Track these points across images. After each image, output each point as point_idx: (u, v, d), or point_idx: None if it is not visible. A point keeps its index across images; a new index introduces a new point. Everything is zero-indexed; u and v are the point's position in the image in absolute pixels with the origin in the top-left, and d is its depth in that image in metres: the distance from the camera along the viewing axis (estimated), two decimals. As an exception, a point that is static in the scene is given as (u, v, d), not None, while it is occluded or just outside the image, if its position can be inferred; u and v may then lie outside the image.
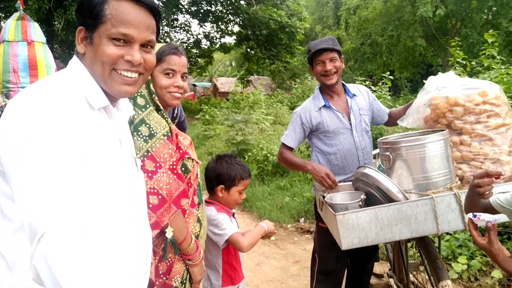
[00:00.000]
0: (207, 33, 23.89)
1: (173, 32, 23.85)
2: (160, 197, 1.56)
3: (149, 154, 1.58)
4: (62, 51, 16.36)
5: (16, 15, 9.39)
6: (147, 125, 1.62)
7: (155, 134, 1.62)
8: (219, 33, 23.72)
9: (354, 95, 2.83)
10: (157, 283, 1.66)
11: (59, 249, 0.86)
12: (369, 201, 2.14)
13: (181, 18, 23.52)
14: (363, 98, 2.87)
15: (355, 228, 1.96)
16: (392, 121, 2.97)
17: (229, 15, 22.31)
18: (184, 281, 1.75)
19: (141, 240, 1.25)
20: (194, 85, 36.10)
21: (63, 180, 0.92)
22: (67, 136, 0.97)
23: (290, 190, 6.57)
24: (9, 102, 1.05)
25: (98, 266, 0.89)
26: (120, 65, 1.14)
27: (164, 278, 1.68)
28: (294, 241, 5.09)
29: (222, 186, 2.20)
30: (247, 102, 11.24)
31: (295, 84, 17.54)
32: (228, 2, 21.18)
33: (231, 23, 22.89)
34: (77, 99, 1.07)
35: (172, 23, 22.87)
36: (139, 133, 1.60)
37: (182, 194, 1.65)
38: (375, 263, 3.59)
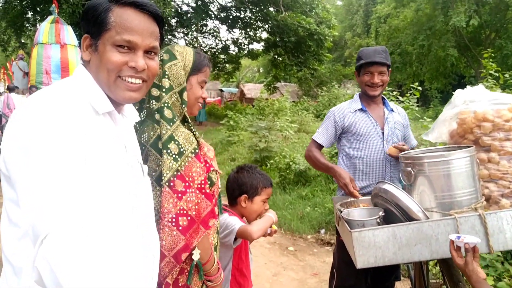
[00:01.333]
0: (235, 39, 24.06)
1: (202, 37, 24.13)
2: (189, 218, 1.51)
3: (179, 173, 1.52)
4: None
5: (50, 18, 9.71)
6: (176, 142, 1.56)
7: (184, 151, 1.56)
8: (247, 39, 23.85)
9: (392, 110, 2.82)
10: None
11: (61, 251, 0.88)
12: (388, 219, 2.04)
13: (210, 23, 23.82)
14: (399, 116, 2.85)
15: (371, 246, 1.87)
16: None
17: (258, 22, 22.42)
18: None
19: (145, 245, 1.24)
20: (221, 91, 36.37)
21: (66, 183, 0.94)
22: (70, 141, 0.98)
23: (311, 200, 6.47)
24: (15, 110, 1.07)
25: (100, 268, 0.91)
26: (125, 71, 1.15)
27: None
28: (313, 253, 4.99)
29: (245, 195, 2.19)
30: (271, 109, 11.19)
31: (321, 92, 17.40)
32: (257, 8, 21.28)
33: (260, 30, 22.99)
34: (81, 105, 1.08)
35: (201, 29, 23.14)
36: (169, 151, 1.53)
37: (210, 214, 1.61)
38: (396, 282, 3.47)
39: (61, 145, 0.96)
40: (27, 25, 18.61)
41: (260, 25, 22.48)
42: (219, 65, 25.04)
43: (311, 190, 6.80)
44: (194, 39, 23.27)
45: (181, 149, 1.56)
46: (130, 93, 1.18)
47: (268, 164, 8.07)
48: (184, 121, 1.66)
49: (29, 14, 18.19)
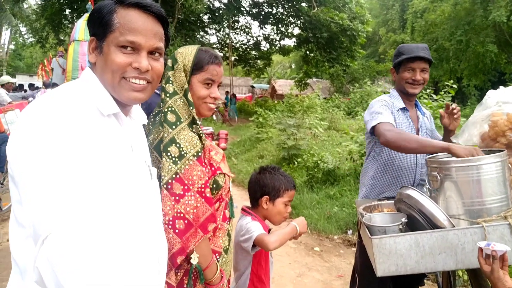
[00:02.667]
0: (267, 35, 23.98)
1: (234, 33, 24.19)
2: (186, 221, 1.50)
3: (178, 176, 1.51)
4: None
5: (86, 15, 9.96)
6: (177, 145, 1.56)
7: (185, 154, 1.55)
8: (279, 35, 23.72)
9: (425, 113, 2.72)
10: None
11: (62, 251, 0.89)
12: (411, 225, 1.96)
13: (242, 20, 23.78)
14: (428, 120, 2.74)
15: (393, 254, 1.80)
16: None
17: (290, 17, 22.25)
18: None
19: (150, 247, 1.23)
20: (253, 87, 36.38)
21: (67, 183, 0.94)
22: (73, 142, 0.98)
23: (339, 200, 6.34)
24: (22, 111, 1.08)
25: (101, 270, 0.91)
26: (129, 73, 1.16)
27: None
28: (340, 254, 4.90)
29: (267, 197, 2.14)
30: (301, 106, 11.07)
31: (353, 89, 17.09)
32: (289, 4, 21.12)
33: (292, 25, 22.81)
34: (86, 107, 1.09)
35: (233, 25, 23.20)
36: (168, 154, 1.53)
37: (210, 219, 1.58)
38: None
39: (64, 146, 0.96)
40: (64, 22, 19.23)
41: (292, 20, 22.31)
42: (250, 61, 25.05)
43: (339, 189, 6.67)
44: (226, 36, 23.36)
45: (182, 152, 1.55)
46: (134, 94, 1.18)
47: (296, 163, 7.99)
48: (192, 123, 1.64)
49: (67, 11, 18.78)
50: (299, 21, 21.58)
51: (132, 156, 1.22)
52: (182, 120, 1.61)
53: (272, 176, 2.17)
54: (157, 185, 1.43)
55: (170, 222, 1.49)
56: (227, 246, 1.76)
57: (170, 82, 1.65)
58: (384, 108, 2.51)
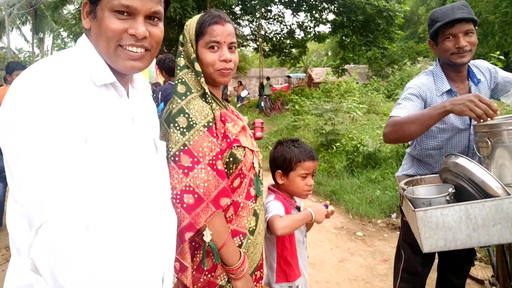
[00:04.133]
0: (300, 23, 23.58)
1: (267, 23, 23.96)
2: (196, 196, 1.41)
3: (186, 148, 1.42)
4: (163, 46, 17.30)
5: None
6: (186, 115, 1.46)
7: (194, 125, 1.45)
8: (313, 22, 23.26)
9: (480, 80, 2.27)
10: (201, 280, 1.52)
11: (57, 241, 0.84)
12: (460, 197, 1.78)
13: (275, 9, 23.46)
14: (486, 85, 2.32)
15: (440, 227, 1.63)
16: None
17: (323, 3, 21.74)
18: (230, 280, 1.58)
19: (155, 224, 1.17)
20: (289, 77, 36.05)
21: (61, 167, 0.88)
22: (65, 118, 0.92)
23: (381, 183, 6.12)
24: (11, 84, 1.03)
25: (101, 257, 0.87)
26: (125, 40, 1.08)
27: (209, 275, 1.53)
28: (383, 238, 4.71)
29: (279, 171, 2.02)
30: (338, 91, 10.77)
31: (392, 71, 16.50)
32: (322, -11, 20.65)
33: (326, 11, 22.29)
34: (79, 77, 1.02)
35: (265, 15, 22.97)
36: (176, 124, 1.45)
37: (222, 193, 1.46)
38: (476, 269, 3.12)
39: (54, 123, 0.90)
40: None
41: (326, 6, 21.78)
42: (285, 50, 24.75)
43: (381, 173, 6.43)
44: (260, 26, 23.17)
45: (191, 122, 1.46)
46: (132, 63, 1.10)
47: (335, 147, 7.78)
48: (205, 94, 1.54)
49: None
50: (332, 6, 21.06)
51: (133, 129, 1.15)
52: (193, 91, 1.52)
53: (284, 148, 2.02)
54: (164, 159, 1.35)
55: (178, 197, 1.40)
56: (253, 227, 1.64)
57: (182, 56, 1.58)
58: (409, 99, 2.18)
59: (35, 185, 0.87)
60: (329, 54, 41.99)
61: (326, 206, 2.03)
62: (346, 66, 23.92)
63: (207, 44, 1.54)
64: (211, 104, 1.53)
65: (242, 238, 1.59)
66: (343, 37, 21.87)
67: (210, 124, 1.49)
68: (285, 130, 11.66)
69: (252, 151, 1.66)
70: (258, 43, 23.62)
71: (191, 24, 1.59)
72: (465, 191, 1.76)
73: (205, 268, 1.51)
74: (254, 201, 1.65)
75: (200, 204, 1.42)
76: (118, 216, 1.01)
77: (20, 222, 0.97)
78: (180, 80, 1.53)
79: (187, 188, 1.40)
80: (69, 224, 0.85)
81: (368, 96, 12.41)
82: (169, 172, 1.41)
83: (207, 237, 1.45)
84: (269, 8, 22.52)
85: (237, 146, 1.56)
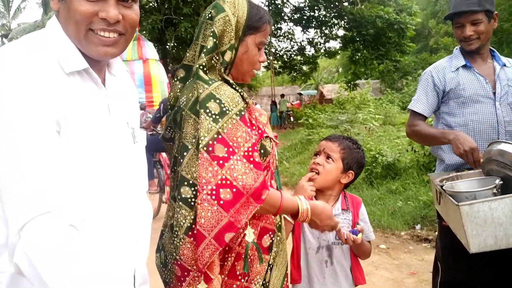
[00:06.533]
0: (310, 39, 23.65)
1: (277, 41, 24.07)
2: (234, 190, 1.23)
3: (220, 136, 1.26)
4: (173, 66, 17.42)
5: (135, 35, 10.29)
6: (217, 101, 1.29)
7: (227, 112, 1.29)
8: (323, 38, 23.30)
9: (505, 64, 2.29)
10: (234, 286, 1.36)
11: (44, 241, 0.82)
12: (508, 189, 1.57)
13: (284, 26, 23.58)
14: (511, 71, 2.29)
15: (489, 223, 1.43)
16: None
17: (333, 19, 21.81)
18: (267, 283, 1.43)
19: (129, 215, 1.10)
20: (300, 94, 36.01)
21: (38, 162, 0.85)
22: (37, 110, 0.86)
23: (403, 194, 5.87)
24: None
25: (87, 257, 0.86)
26: (96, 24, 0.98)
27: (243, 280, 1.37)
28: (409, 250, 4.47)
29: None
30: (353, 104, 10.59)
31: (406, 83, 16.31)
32: (332, 5, 20.68)
33: (336, 27, 22.35)
34: (49, 64, 0.94)
35: (275, 32, 23.09)
36: (207, 110, 1.27)
37: (263, 186, 1.29)
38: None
39: (25, 116, 0.85)
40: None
41: (336, 22, 21.87)
42: (295, 67, 24.76)
43: (402, 183, 6.19)
44: (270, 44, 23.29)
45: (224, 109, 1.28)
46: (104, 49, 1.00)
47: (352, 159, 7.55)
48: (228, 82, 1.38)
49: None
50: (342, 21, 21.13)
51: (108, 119, 1.06)
52: (218, 78, 1.37)
53: None
54: (142, 149, 1.24)
55: (214, 192, 1.21)
56: (279, 223, 1.49)
57: (212, 34, 1.36)
58: (422, 88, 2.35)
59: (12, 184, 0.83)
60: (340, 70, 41.99)
61: (357, 232, 1.73)
62: (358, 82, 23.79)
63: (260, 43, 1.43)
64: (241, 93, 1.37)
65: (272, 236, 1.43)
66: (354, 52, 21.82)
67: (242, 113, 1.33)
68: (299, 144, 11.46)
69: (276, 143, 1.52)
70: (269, 61, 23.71)
71: (239, 4, 1.40)
72: (514, 182, 1.56)
73: (246, 272, 1.35)
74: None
75: (239, 199, 1.24)
76: (96, 211, 0.97)
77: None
78: (201, 67, 1.35)
79: (224, 182, 1.22)
80: (54, 223, 0.83)
81: (383, 107, 12.21)
82: (201, 164, 1.23)
83: (250, 236, 1.31)
84: (279, 25, 22.64)
85: (266, 137, 1.41)
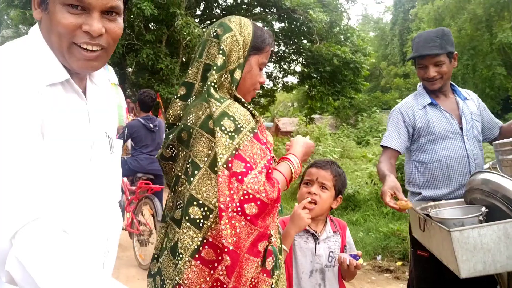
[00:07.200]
0: (269, 73, 24.14)
1: (237, 72, 24.34)
2: (259, 202, 1.23)
3: (237, 153, 1.26)
4: (133, 92, 17.11)
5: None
6: (231, 118, 1.29)
7: (242, 129, 1.29)
8: (282, 72, 23.87)
9: (466, 98, 2.41)
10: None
11: (32, 249, 0.81)
12: (492, 217, 1.66)
13: (245, 59, 23.97)
14: (473, 104, 2.43)
15: (478, 249, 1.50)
16: (503, 137, 2.48)
17: (292, 55, 22.46)
18: None
19: (102, 225, 1.11)
20: (257, 125, 36.46)
21: (24, 170, 0.84)
22: (21, 120, 0.86)
23: (363, 225, 6.01)
24: None
25: (73, 262, 0.84)
26: (79, 37, 0.97)
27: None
28: (372, 281, 4.55)
29: None
30: (312, 136, 10.85)
31: (362, 118, 16.96)
32: (291, 42, 21.36)
33: (294, 62, 22.99)
34: (29, 75, 0.92)
35: (236, 64, 23.37)
36: (223, 128, 1.26)
37: (279, 190, 1.33)
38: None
39: (10, 125, 0.84)
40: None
41: (294, 57, 22.50)
42: (254, 99, 25.13)
43: (362, 215, 6.34)
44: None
45: (238, 126, 1.29)
46: (86, 63, 1.00)
47: (313, 190, 7.66)
48: (237, 101, 1.39)
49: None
50: (301, 58, 21.76)
51: (88, 128, 1.06)
52: (227, 96, 1.37)
53: None
54: (118, 159, 1.24)
55: (239, 209, 1.21)
56: (280, 246, 1.49)
57: (221, 52, 1.36)
58: (393, 125, 2.38)
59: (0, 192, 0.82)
60: (295, 105, 43.04)
61: (357, 257, 1.77)
62: (314, 116, 24.44)
63: (262, 63, 1.46)
64: (252, 111, 1.39)
65: (274, 258, 1.40)
66: (311, 87, 22.49)
67: (255, 130, 1.34)
68: (258, 175, 11.50)
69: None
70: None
71: (245, 25, 1.43)
72: (497, 210, 1.65)
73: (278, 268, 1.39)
74: (277, 217, 1.49)
75: (264, 209, 1.25)
76: (74, 220, 0.97)
77: None
78: (212, 85, 1.35)
79: (247, 196, 1.22)
80: (47, 228, 0.83)
81: (340, 141, 12.61)
82: (221, 183, 1.22)
83: (277, 241, 1.34)
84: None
85: (272, 157, 1.43)
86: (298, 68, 23.20)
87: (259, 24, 1.51)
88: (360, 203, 6.70)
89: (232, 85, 1.38)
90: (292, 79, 25.41)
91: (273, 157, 1.43)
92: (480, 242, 1.49)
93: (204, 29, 17.93)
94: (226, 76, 1.38)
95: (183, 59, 17.18)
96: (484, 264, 1.49)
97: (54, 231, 0.85)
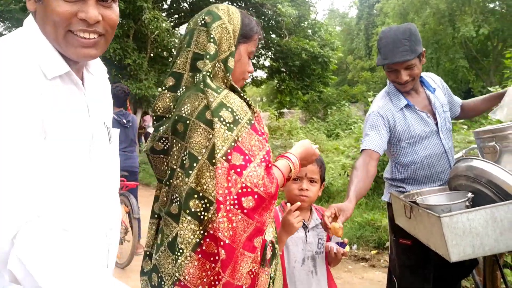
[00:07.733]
0: (239, 68, 24.09)
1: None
2: (256, 196, 1.21)
3: (236, 145, 1.24)
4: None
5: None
6: (229, 109, 1.26)
7: (240, 120, 1.27)
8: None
9: (435, 89, 2.37)
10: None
11: (33, 248, 0.81)
12: (477, 202, 1.71)
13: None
14: (440, 91, 2.43)
15: (467, 233, 1.55)
16: (465, 114, 2.57)
17: (261, 49, 22.48)
18: None
19: (103, 217, 1.10)
20: (226, 120, 36.39)
21: (25, 167, 0.84)
22: (22, 116, 0.85)
23: (338, 216, 6.10)
24: None
25: (74, 260, 0.84)
26: (75, 25, 0.96)
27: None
28: (348, 270, 4.65)
29: None
30: (283, 130, 10.92)
31: (331, 112, 17.20)
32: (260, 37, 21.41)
33: (263, 57, 23.03)
34: (29, 69, 0.91)
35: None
36: (221, 119, 1.24)
37: (277, 186, 1.32)
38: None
39: (13, 122, 0.84)
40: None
41: (263, 52, 22.53)
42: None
43: (336, 206, 6.43)
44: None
45: (236, 117, 1.27)
46: (84, 50, 0.99)
47: (287, 183, 7.72)
48: (232, 91, 1.37)
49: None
50: (269, 52, 21.81)
51: (87, 119, 1.06)
52: (222, 88, 1.34)
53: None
54: (116, 148, 1.24)
55: (236, 202, 1.19)
56: (276, 235, 1.49)
57: (212, 40, 1.33)
58: (373, 128, 2.26)
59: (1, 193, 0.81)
60: (264, 99, 43.20)
61: (344, 245, 1.80)
62: (283, 111, 24.60)
63: (251, 52, 1.44)
64: (248, 101, 1.37)
65: (272, 248, 1.41)
66: (280, 82, 22.62)
67: (252, 121, 1.32)
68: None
69: None
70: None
71: (232, 13, 1.41)
72: (482, 195, 1.70)
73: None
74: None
75: (261, 204, 1.23)
76: (78, 213, 0.98)
77: None
78: (208, 74, 1.32)
79: (244, 190, 1.20)
80: (47, 227, 0.83)
81: (311, 134, 12.72)
82: (220, 174, 1.20)
83: (269, 235, 1.30)
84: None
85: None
86: (267, 63, 23.24)
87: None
88: (334, 195, 6.80)
89: (228, 74, 1.35)
90: (261, 74, 25.44)
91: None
92: (469, 226, 1.54)
93: (172, 23, 17.67)
94: (219, 65, 1.35)
95: (151, 54, 16.88)
96: (473, 248, 1.54)
97: (55, 230, 0.84)
